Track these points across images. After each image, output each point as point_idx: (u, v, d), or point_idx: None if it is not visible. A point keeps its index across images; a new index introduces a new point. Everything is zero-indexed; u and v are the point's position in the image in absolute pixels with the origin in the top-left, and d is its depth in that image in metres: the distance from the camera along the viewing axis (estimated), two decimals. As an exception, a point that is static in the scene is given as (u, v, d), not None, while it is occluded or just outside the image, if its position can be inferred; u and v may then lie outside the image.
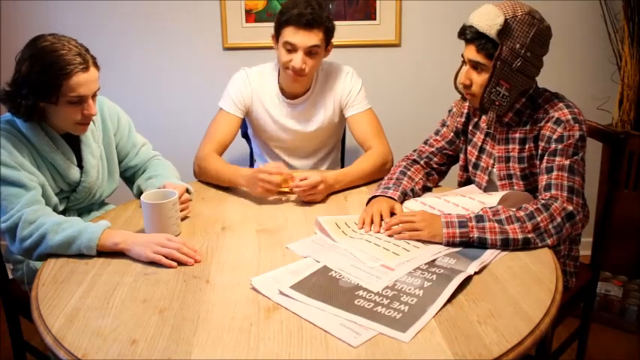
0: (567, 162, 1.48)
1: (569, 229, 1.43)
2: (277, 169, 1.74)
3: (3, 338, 2.27)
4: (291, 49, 1.88)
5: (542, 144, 1.53)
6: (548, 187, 1.48)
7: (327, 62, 2.08)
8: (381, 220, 1.52)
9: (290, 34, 1.87)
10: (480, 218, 1.40)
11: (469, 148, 1.74)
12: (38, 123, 1.55)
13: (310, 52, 1.88)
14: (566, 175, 1.47)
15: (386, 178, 1.74)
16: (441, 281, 1.22)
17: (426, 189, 1.77)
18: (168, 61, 2.72)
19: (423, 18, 2.68)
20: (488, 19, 1.47)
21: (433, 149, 1.80)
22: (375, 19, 2.67)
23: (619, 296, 2.44)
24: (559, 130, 1.50)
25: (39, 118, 1.53)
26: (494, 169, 1.66)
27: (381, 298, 1.17)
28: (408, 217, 1.47)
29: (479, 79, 1.54)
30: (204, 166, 1.91)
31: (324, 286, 1.22)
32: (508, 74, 1.50)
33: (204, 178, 1.93)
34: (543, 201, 1.44)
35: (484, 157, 1.70)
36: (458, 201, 1.55)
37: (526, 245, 1.38)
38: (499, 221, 1.39)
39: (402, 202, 1.62)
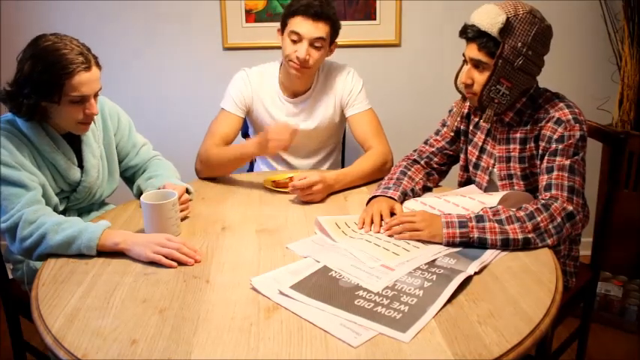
0: (568, 162, 1.48)
1: (569, 229, 1.43)
2: (284, 128, 1.77)
3: (3, 338, 2.27)
4: (297, 39, 1.89)
5: (542, 144, 1.53)
6: (548, 187, 1.48)
7: (328, 62, 2.09)
8: (381, 220, 1.52)
9: (296, 24, 1.89)
10: (480, 218, 1.40)
11: (470, 148, 1.74)
12: (39, 123, 1.55)
13: (315, 44, 1.89)
14: (566, 175, 1.47)
15: (386, 178, 1.74)
16: (441, 281, 1.22)
17: (426, 189, 1.77)
18: (169, 61, 2.72)
19: (423, 18, 2.68)
20: (489, 18, 1.48)
21: (433, 149, 1.80)
22: (375, 19, 2.67)
23: (619, 296, 2.44)
24: (560, 130, 1.50)
25: (40, 118, 1.53)
26: (495, 169, 1.66)
27: (381, 298, 1.17)
28: (408, 217, 1.47)
29: (480, 78, 1.54)
30: (206, 157, 1.91)
31: (324, 286, 1.22)
32: (509, 72, 1.51)
33: (208, 171, 1.93)
34: (543, 201, 1.44)
35: (485, 157, 1.70)
36: (458, 201, 1.55)
37: (526, 245, 1.38)
38: (499, 221, 1.39)
39: (402, 202, 1.62)
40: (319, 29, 1.89)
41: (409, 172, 1.73)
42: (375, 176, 1.90)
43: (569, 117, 1.50)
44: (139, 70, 2.73)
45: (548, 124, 1.52)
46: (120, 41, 2.67)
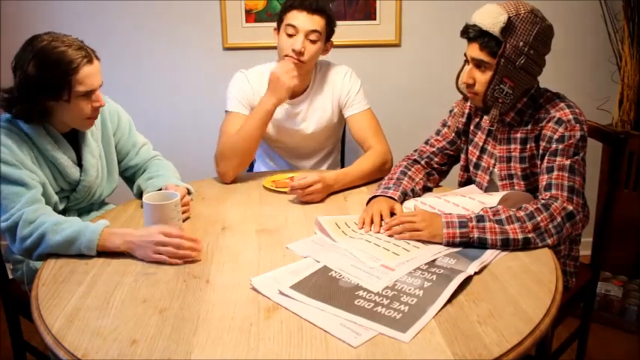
0: (568, 162, 1.48)
1: (569, 228, 1.43)
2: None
3: (3, 338, 2.27)
4: (293, 32, 1.90)
5: (543, 144, 1.53)
6: (548, 187, 1.48)
7: (325, 62, 2.08)
8: (381, 220, 1.52)
9: (292, 17, 1.90)
10: (480, 218, 1.40)
11: (470, 148, 1.74)
12: (39, 122, 1.55)
13: (310, 37, 1.90)
14: (566, 175, 1.47)
15: (386, 178, 1.74)
16: (441, 281, 1.21)
17: (426, 189, 1.77)
18: (168, 61, 2.72)
19: (423, 18, 2.68)
20: (491, 17, 1.48)
21: (434, 149, 1.80)
22: (375, 19, 2.67)
23: (619, 296, 2.44)
24: (560, 130, 1.50)
25: (42, 118, 1.53)
26: (496, 169, 1.66)
27: (381, 298, 1.17)
28: (409, 218, 1.47)
29: (482, 78, 1.54)
30: (230, 147, 1.88)
31: (324, 286, 1.22)
32: (512, 72, 1.51)
33: (235, 161, 1.89)
34: (543, 201, 1.44)
35: (485, 157, 1.70)
36: (458, 201, 1.55)
37: (526, 245, 1.38)
38: (499, 221, 1.39)
39: (402, 202, 1.62)
40: (315, 22, 1.90)
41: (409, 172, 1.73)
42: (374, 176, 1.90)
43: (570, 117, 1.50)
44: (138, 70, 2.73)
45: (549, 124, 1.52)
46: (119, 41, 2.67)
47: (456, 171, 1.83)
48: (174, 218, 1.47)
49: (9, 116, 1.55)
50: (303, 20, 1.89)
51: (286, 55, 1.91)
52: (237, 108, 1.98)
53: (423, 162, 1.80)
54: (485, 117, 1.68)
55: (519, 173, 1.61)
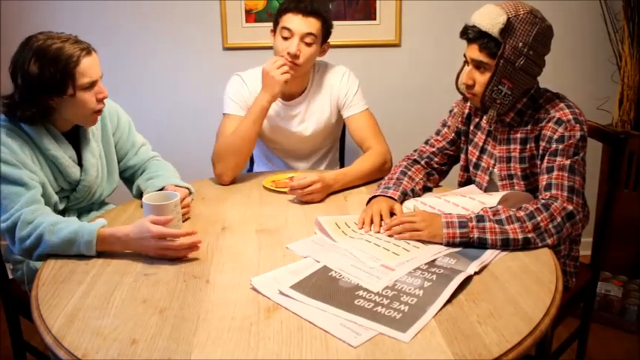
0: (568, 162, 1.48)
1: (569, 228, 1.43)
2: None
3: (3, 338, 2.27)
4: (288, 35, 1.89)
5: (543, 144, 1.53)
6: (548, 187, 1.48)
7: (322, 62, 2.08)
8: (381, 220, 1.52)
9: (287, 20, 1.90)
10: (480, 218, 1.40)
11: (470, 148, 1.74)
12: (41, 122, 1.55)
13: (305, 40, 1.89)
14: (566, 175, 1.47)
15: (386, 177, 1.74)
16: (441, 281, 1.22)
17: (426, 189, 1.77)
18: (168, 61, 2.72)
19: (423, 18, 2.68)
20: (490, 18, 1.48)
21: (434, 149, 1.80)
22: (374, 19, 2.67)
23: (619, 296, 2.44)
24: (560, 130, 1.50)
25: (44, 118, 1.53)
26: (495, 170, 1.66)
27: (381, 298, 1.17)
28: (409, 218, 1.47)
29: (482, 79, 1.54)
30: (226, 146, 1.88)
31: (324, 286, 1.22)
32: (511, 73, 1.51)
33: (232, 160, 1.88)
34: (543, 201, 1.44)
35: (485, 157, 1.70)
36: (458, 201, 1.55)
37: (526, 245, 1.38)
38: (499, 221, 1.39)
39: (402, 202, 1.62)
40: (310, 25, 1.89)
41: (409, 172, 1.73)
42: (374, 176, 1.90)
43: (570, 117, 1.50)
44: (138, 70, 2.72)
45: (549, 124, 1.52)
46: (119, 41, 2.67)
47: (456, 171, 1.83)
48: (173, 219, 1.46)
49: None
50: (298, 23, 1.88)
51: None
52: (234, 110, 1.98)
53: (422, 162, 1.80)
54: (484, 117, 1.68)
55: (519, 173, 1.61)
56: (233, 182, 1.93)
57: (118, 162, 1.81)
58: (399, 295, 1.18)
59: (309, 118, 2.06)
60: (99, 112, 1.59)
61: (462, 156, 1.78)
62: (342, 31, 2.61)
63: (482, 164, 1.71)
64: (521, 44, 1.48)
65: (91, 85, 1.52)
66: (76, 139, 1.65)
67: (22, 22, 2.59)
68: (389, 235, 1.46)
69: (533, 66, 1.52)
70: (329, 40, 2.00)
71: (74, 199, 1.67)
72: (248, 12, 2.64)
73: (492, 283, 1.24)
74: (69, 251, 1.38)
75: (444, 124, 1.82)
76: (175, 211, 1.47)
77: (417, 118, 2.78)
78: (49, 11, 2.61)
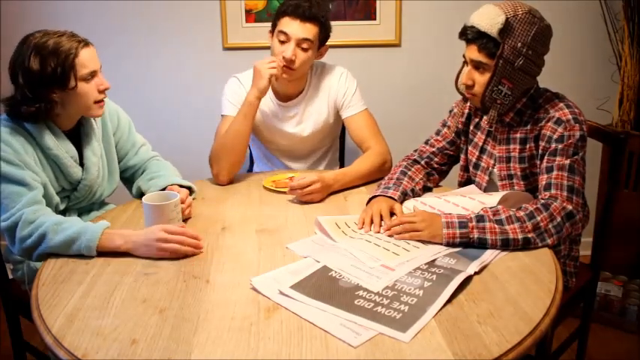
0: (567, 162, 1.48)
1: (569, 228, 1.43)
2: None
3: (3, 338, 2.27)
4: (285, 39, 1.89)
5: (542, 144, 1.53)
6: (548, 187, 1.48)
7: (320, 63, 2.08)
8: (381, 220, 1.52)
9: (285, 24, 1.89)
10: (480, 218, 1.40)
11: (470, 148, 1.74)
12: (43, 121, 1.55)
13: (302, 45, 1.89)
14: (566, 174, 1.47)
15: (386, 177, 1.74)
16: (441, 281, 1.22)
17: (426, 189, 1.77)
18: (168, 61, 2.72)
19: (423, 18, 2.68)
20: (489, 19, 1.48)
21: (434, 149, 1.80)
22: (374, 19, 2.67)
23: (619, 296, 2.44)
24: (559, 129, 1.50)
25: (47, 115, 1.54)
26: (495, 170, 1.66)
27: (381, 298, 1.17)
28: (409, 218, 1.47)
29: (481, 79, 1.54)
30: (219, 145, 1.89)
31: (324, 286, 1.22)
32: (510, 73, 1.51)
33: (227, 159, 1.89)
34: (543, 200, 1.44)
35: (485, 157, 1.70)
36: (458, 201, 1.55)
37: (526, 245, 1.38)
38: (499, 221, 1.39)
39: (402, 202, 1.62)
40: (306, 30, 1.88)
41: (409, 172, 1.73)
42: (374, 176, 1.90)
43: (569, 117, 1.50)
44: (138, 70, 2.73)
45: (548, 124, 1.52)
46: (119, 41, 2.67)
47: (456, 171, 1.83)
48: (173, 219, 1.47)
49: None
50: (295, 28, 1.88)
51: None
52: (231, 111, 1.98)
53: (422, 162, 1.80)
54: (485, 117, 1.68)
55: (519, 173, 1.61)
56: (231, 182, 1.93)
57: (119, 162, 1.82)
58: (399, 295, 1.18)
59: (306, 119, 2.06)
60: (101, 102, 1.61)
61: (462, 156, 1.78)
62: (342, 31, 2.61)
63: (482, 164, 1.71)
64: (520, 44, 1.49)
65: (92, 75, 1.55)
66: (78, 138, 1.65)
67: (23, 22, 2.59)
68: (389, 236, 1.46)
69: (533, 66, 1.53)
70: (327, 43, 1.99)
71: (75, 198, 1.67)
72: (248, 12, 2.64)
73: (492, 283, 1.24)
74: (69, 251, 1.38)
75: (444, 124, 1.82)
76: (175, 211, 1.47)
77: (417, 118, 2.78)
78: (49, 12, 2.61)
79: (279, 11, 1.93)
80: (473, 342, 1.03)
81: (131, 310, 1.16)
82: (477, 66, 1.54)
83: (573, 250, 1.72)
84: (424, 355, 1.00)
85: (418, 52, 2.73)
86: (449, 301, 1.16)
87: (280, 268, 1.31)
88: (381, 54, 2.72)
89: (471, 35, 1.52)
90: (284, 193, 1.79)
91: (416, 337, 1.05)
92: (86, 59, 1.52)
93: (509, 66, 1.50)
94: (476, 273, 1.26)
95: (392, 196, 1.61)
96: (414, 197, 1.68)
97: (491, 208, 1.45)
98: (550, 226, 1.40)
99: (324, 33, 1.95)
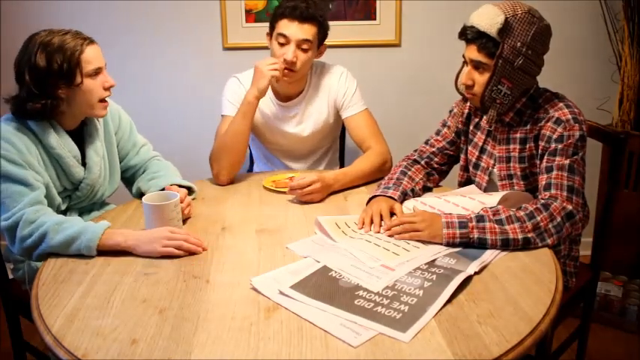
0: (567, 162, 1.48)
1: (569, 228, 1.43)
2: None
3: (3, 338, 2.27)
4: (284, 42, 1.89)
5: (542, 144, 1.54)
6: (547, 187, 1.48)
7: (320, 63, 2.08)
8: (381, 220, 1.52)
9: (283, 26, 1.88)
10: (480, 218, 1.40)
11: (470, 148, 1.74)
12: (47, 119, 1.55)
13: (302, 46, 1.89)
14: (565, 174, 1.47)
15: (386, 177, 1.74)
16: (441, 281, 1.22)
17: (426, 189, 1.77)
18: (168, 61, 2.72)
19: (423, 18, 2.68)
20: (488, 19, 1.48)
21: (434, 149, 1.80)
22: (375, 19, 2.67)
23: (619, 296, 2.44)
24: (559, 129, 1.50)
25: (53, 112, 1.54)
26: (495, 169, 1.66)
27: (381, 298, 1.17)
28: (409, 218, 1.47)
29: (481, 79, 1.54)
30: (219, 145, 1.89)
31: (324, 286, 1.22)
32: (510, 72, 1.51)
33: (227, 159, 1.88)
34: (543, 200, 1.44)
35: (485, 157, 1.70)
36: (458, 201, 1.55)
37: (526, 245, 1.38)
38: (499, 221, 1.39)
39: (402, 202, 1.62)
40: (305, 31, 1.88)
41: (409, 172, 1.73)
42: (374, 176, 1.90)
43: (569, 117, 1.50)
44: (138, 70, 2.73)
45: (548, 124, 1.52)
46: (119, 41, 2.67)
47: (456, 171, 1.83)
48: (173, 219, 1.47)
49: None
50: (294, 30, 1.87)
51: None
52: (231, 111, 1.98)
53: (423, 162, 1.80)
54: (484, 117, 1.68)
55: (519, 173, 1.61)
56: (232, 182, 1.93)
57: (120, 162, 1.82)
58: (399, 295, 1.18)
59: (306, 119, 2.06)
60: (105, 102, 1.61)
61: (462, 156, 1.78)
62: (342, 31, 2.61)
63: (482, 164, 1.71)
64: (519, 44, 1.49)
65: (97, 72, 1.56)
66: (81, 138, 1.66)
67: (23, 22, 2.59)
68: (389, 236, 1.46)
69: (532, 65, 1.53)
70: (325, 42, 1.99)
71: (76, 197, 1.68)
72: (248, 12, 2.64)
73: (492, 283, 1.24)
74: (68, 250, 1.39)
75: (444, 124, 1.82)
76: (175, 211, 1.48)
77: (417, 118, 2.78)
78: (49, 12, 2.61)
79: (277, 13, 1.91)
80: (473, 342, 1.03)
81: (131, 310, 1.16)
82: (477, 66, 1.54)
83: (573, 250, 1.72)
84: (424, 355, 1.00)
85: (418, 52, 2.73)
86: (449, 301, 1.16)
87: (280, 268, 1.31)
88: (381, 54, 2.72)
89: (470, 35, 1.52)
90: (284, 193, 1.79)
91: (416, 337, 1.05)
92: (91, 56, 1.54)
93: (509, 66, 1.50)
94: (476, 273, 1.26)
95: (392, 196, 1.61)
96: (414, 197, 1.68)
97: (491, 208, 1.45)
98: (550, 226, 1.40)
99: (323, 32, 1.95)
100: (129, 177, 1.86)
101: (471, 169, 1.75)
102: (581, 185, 1.49)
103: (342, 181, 1.83)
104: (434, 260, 1.32)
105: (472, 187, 1.74)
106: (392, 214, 1.55)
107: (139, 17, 2.65)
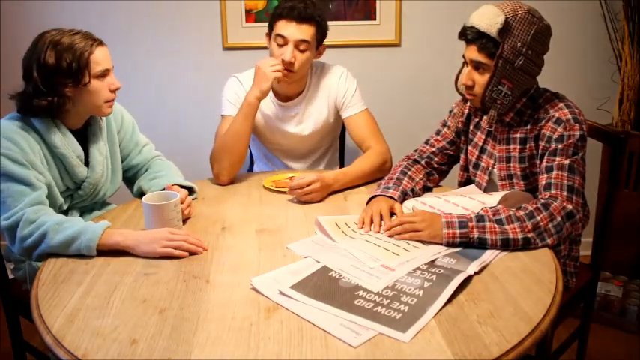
0: (567, 161, 1.48)
1: (569, 228, 1.43)
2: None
3: (3, 338, 2.28)
4: (282, 43, 1.89)
5: (542, 144, 1.54)
6: (547, 187, 1.48)
7: (320, 63, 2.08)
8: (381, 220, 1.52)
9: (281, 27, 1.88)
10: (480, 218, 1.40)
11: (470, 148, 1.74)
12: (52, 119, 1.56)
13: (300, 47, 1.89)
14: (565, 174, 1.47)
15: (386, 177, 1.74)
16: (441, 281, 1.22)
17: (426, 189, 1.77)
18: (168, 61, 2.72)
19: (423, 18, 2.68)
20: (488, 19, 1.48)
21: (434, 149, 1.80)
22: (375, 19, 2.67)
23: (619, 296, 2.44)
24: (559, 129, 1.50)
25: (59, 109, 1.54)
26: (495, 169, 1.66)
27: (381, 298, 1.17)
28: (409, 218, 1.47)
29: (481, 80, 1.54)
30: (220, 146, 1.89)
31: (324, 286, 1.22)
32: (510, 73, 1.51)
33: (228, 159, 1.88)
34: (543, 200, 1.44)
35: (485, 157, 1.70)
36: (458, 201, 1.55)
37: (526, 245, 1.38)
38: (499, 221, 1.39)
39: (402, 202, 1.62)
40: (303, 32, 1.88)
41: (409, 172, 1.73)
42: (374, 176, 1.90)
43: (569, 117, 1.50)
44: (138, 70, 2.73)
45: (548, 124, 1.52)
46: (119, 40, 2.67)
47: (456, 171, 1.83)
48: (173, 219, 1.47)
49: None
50: (292, 31, 1.87)
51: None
52: (231, 111, 1.98)
53: (423, 162, 1.80)
54: (484, 117, 1.68)
55: (519, 173, 1.61)
56: (232, 182, 1.93)
57: (122, 161, 1.82)
58: (399, 295, 1.18)
59: (306, 119, 2.06)
60: (111, 101, 1.62)
61: (462, 156, 1.78)
62: (342, 31, 2.61)
63: (482, 164, 1.71)
64: (519, 44, 1.49)
65: (104, 74, 1.57)
66: (84, 137, 1.66)
67: (23, 22, 2.59)
68: (389, 236, 1.46)
69: (532, 65, 1.53)
70: (324, 42, 1.99)
71: (78, 197, 1.68)
72: (248, 12, 2.64)
73: (492, 283, 1.24)
74: (68, 250, 1.39)
75: (444, 125, 1.82)
76: (175, 211, 1.48)
77: (417, 118, 2.78)
78: (50, 12, 2.61)
79: (275, 14, 1.91)
80: (473, 342, 1.03)
81: (131, 310, 1.16)
82: (477, 66, 1.54)
83: (573, 250, 1.72)
84: (424, 355, 1.00)
85: (418, 52, 2.73)
86: (449, 301, 1.16)
87: (280, 268, 1.31)
88: (381, 54, 2.72)
89: (470, 36, 1.52)
90: (284, 193, 1.79)
91: (416, 337, 1.05)
92: (100, 57, 1.55)
93: (509, 66, 1.50)
94: (476, 273, 1.26)
95: (392, 196, 1.61)
96: (414, 197, 1.68)
97: (491, 208, 1.45)
98: (550, 225, 1.40)
99: (321, 32, 1.94)
100: (131, 177, 1.86)
101: (470, 169, 1.75)
102: (581, 185, 1.49)
103: (342, 181, 1.83)
104: (434, 260, 1.32)
105: (472, 187, 1.74)
106: (392, 214, 1.55)
107: (139, 17, 2.65)
